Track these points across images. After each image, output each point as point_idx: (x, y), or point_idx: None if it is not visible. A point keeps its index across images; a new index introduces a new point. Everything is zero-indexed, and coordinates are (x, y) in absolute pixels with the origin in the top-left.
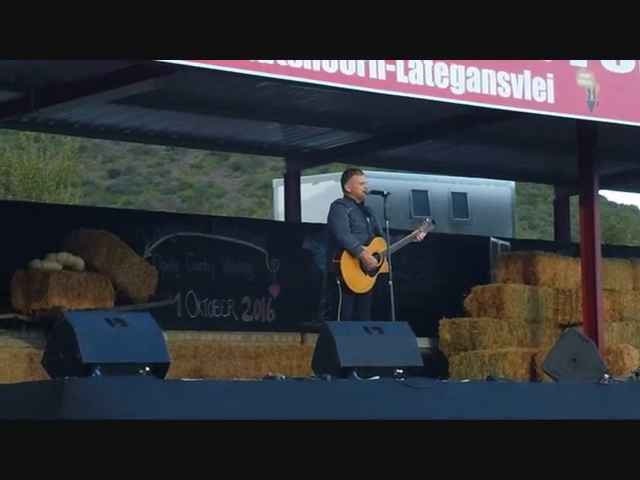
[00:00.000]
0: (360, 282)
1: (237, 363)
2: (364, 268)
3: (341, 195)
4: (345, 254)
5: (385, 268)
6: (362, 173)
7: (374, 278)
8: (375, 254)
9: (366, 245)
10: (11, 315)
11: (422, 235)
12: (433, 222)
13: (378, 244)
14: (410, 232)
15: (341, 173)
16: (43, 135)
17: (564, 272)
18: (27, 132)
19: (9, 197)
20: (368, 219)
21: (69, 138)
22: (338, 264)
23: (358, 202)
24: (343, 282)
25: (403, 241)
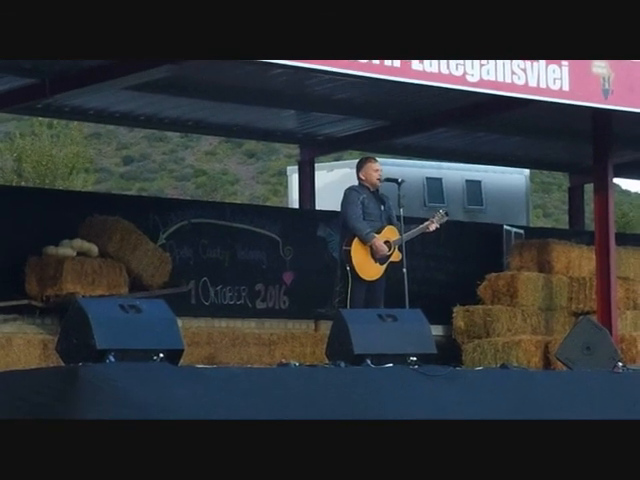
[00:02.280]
0: (370, 269)
1: (251, 350)
2: (374, 255)
3: (355, 182)
4: (356, 241)
5: (397, 257)
6: (376, 161)
7: (384, 266)
8: (386, 242)
9: (378, 233)
10: (25, 301)
11: (434, 226)
12: (447, 214)
13: (390, 232)
14: (423, 221)
15: (356, 161)
16: (56, 122)
17: (578, 260)
18: (40, 118)
19: (22, 183)
20: (382, 207)
21: (76, 123)
22: (348, 251)
23: (372, 189)
24: (353, 269)
25: (415, 231)
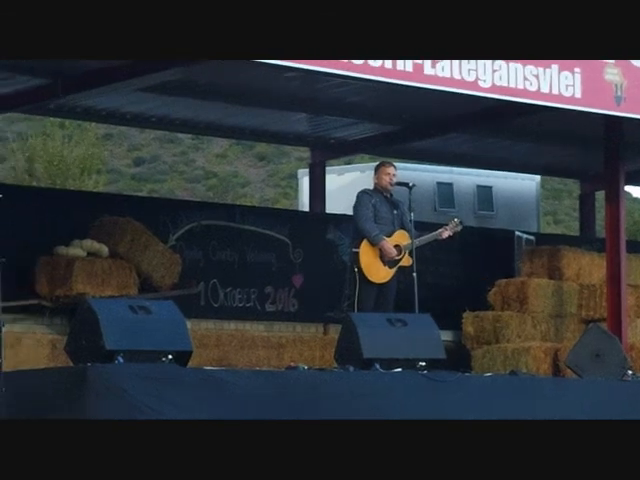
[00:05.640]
0: (378, 272)
1: (259, 353)
2: (383, 258)
3: (365, 186)
4: (365, 243)
5: (407, 262)
6: (392, 165)
7: (393, 270)
8: (396, 246)
9: (389, 237)
10: (35, 301)
11: (447, 234)
12: (461, 222)
13: (401, 237)
14: (434, 226)
15: (366, 164)
16: (68, 122)
17: (589, 267)
18: (52, 119)
19: (33, 183)
20: (395, 211)
21: (94, 125)
22: (357, 252)
23: (385, 194)
24: (360, 270)
25: (427, 237)
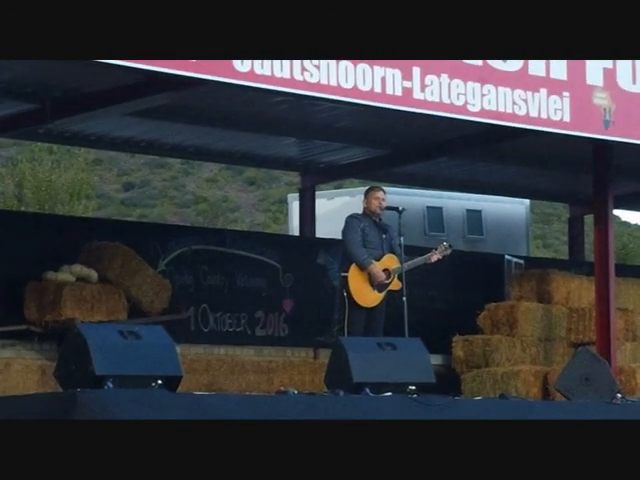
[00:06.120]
0: (367, 296)
1: (249, 377)
2: (372, 282)
3: (355, 210)
4: (354, 267)
5: (396, 285)
6: (381, 189)
7: (382, 294)
8: (385, 270)
9: (377, 261)
10: (24, 326)
11: (436, 257)
12: (450, 246)
13: (390, 260)
14: (424, 250)
15: (356, 189)
16: (56, 147)
17: (578, 291)
18: (41, 144)
19: (22, 208)
20: (384, 235)
21: (83, 150)
22: (346, 277)
23: (374, 218)
24: (350, 295)
25: (416, 261)
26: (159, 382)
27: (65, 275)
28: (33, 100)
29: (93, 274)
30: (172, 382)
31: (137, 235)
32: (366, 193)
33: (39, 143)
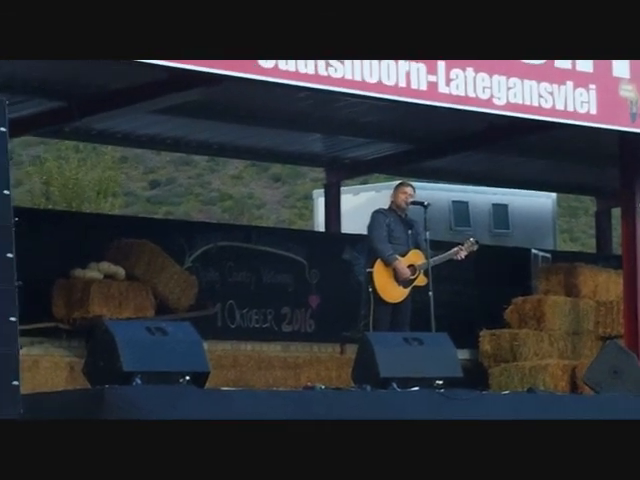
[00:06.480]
0: (392, 292)
1: (276, 373)
2: (397, 278)
3: (381, 206)
4: (379, 262)
5: (421, 281)
6: (410, 185)
7: (408, 289)
8: (410, 266)
9: (403, 256)
10: (52, 324)
11: (463, 254)
12: (477, 242)
13: (415, 256)
14: (450, 245)
15: (382, 184)
16: (82, 145)
17: (605, 284)
18: (68, 142)
19: (49, 206)
20: (410, 231)
21: (110, 148)
22: (371, 272)
23: (400, 213)
24: (375, 290)
25: (443, 257)
26: (187, 378)
27: (93, 272)
28: (59, 98)
29: (120, 271)
30: (200, 378)
31: (163, 232)
32: (394, 189)
33: (66, 141)
